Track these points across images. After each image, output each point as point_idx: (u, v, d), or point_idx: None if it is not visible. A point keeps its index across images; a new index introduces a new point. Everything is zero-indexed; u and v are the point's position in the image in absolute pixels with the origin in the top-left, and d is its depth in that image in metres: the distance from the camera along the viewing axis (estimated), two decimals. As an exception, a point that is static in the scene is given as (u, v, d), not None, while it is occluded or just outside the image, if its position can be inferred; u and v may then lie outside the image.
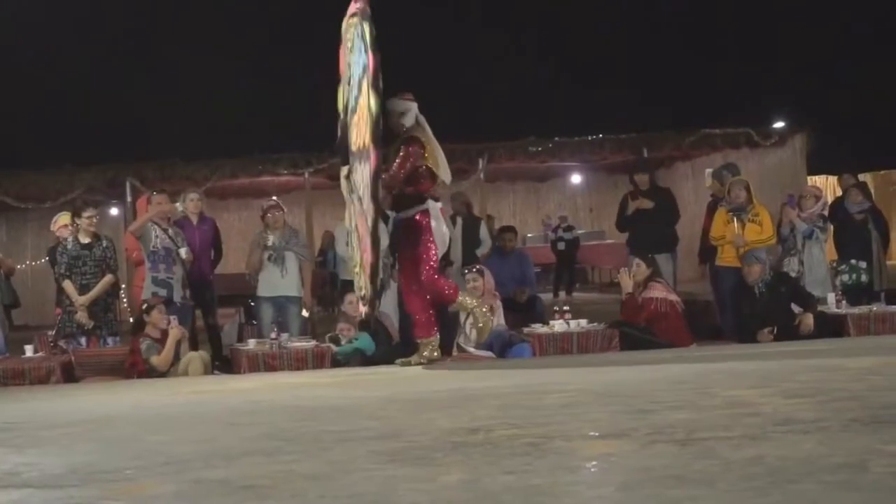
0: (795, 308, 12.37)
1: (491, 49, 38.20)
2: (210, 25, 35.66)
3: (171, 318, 11.92)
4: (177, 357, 11.62)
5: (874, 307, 12.64)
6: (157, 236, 12.74)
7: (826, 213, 14.97)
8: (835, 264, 14.72)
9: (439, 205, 10.81)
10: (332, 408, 6.83)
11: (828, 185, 27.25)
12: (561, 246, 25.95)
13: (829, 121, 27.25)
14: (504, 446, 4.42)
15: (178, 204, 13.53)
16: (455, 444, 4.54)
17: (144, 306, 12.00)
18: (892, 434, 4.27)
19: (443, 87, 34.36)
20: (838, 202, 16.25)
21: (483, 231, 15.73)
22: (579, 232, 27.12)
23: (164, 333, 11.67)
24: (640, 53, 38.19)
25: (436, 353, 10.86)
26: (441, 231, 10.68)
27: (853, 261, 14.34)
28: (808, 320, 12.14)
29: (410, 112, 10.66)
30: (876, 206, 15.67)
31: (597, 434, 4.69)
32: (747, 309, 12.44)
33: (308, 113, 34.76)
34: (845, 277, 14.29)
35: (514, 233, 15.36)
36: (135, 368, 11.53)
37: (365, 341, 12.01)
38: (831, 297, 13.12)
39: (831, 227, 14.92)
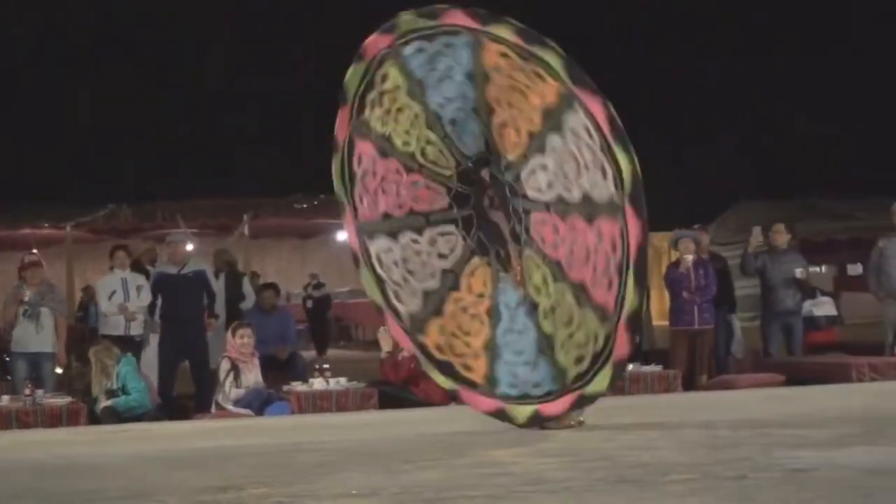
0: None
1: (263, 107, 38.10)
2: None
3: None
4: None
5: (630, 367, 12.90)
6: None
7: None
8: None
9: None
10: (84, 466, 6.74)
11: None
12: (309, 304, 26.10)
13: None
14: (253, 506, 4.46)
15: None
16: (204, 504, 4.55)
17: None
18: (636, 493, 4.43)
19: (207, 138, 34.23)
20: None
21: (246, 286, 15.72)
22: (343, 290, 27.20)
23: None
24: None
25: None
26: None
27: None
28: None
29: None
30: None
31: (346, 493, 4.75)
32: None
33: (71, 165, 34.24)
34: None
35: (274, 290, 15.34)
36: None
37: (141, 396, 11.82)
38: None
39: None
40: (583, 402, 7.60)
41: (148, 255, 16.92)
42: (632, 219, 6.98)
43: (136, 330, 13.63)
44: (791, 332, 14.36)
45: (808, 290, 15.14)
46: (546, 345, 7.67)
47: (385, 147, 8.33)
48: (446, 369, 8.34)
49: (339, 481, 5.19)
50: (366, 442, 7.56)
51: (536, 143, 7.45)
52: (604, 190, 7.14)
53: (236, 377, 11.82)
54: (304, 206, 23.63)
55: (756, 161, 35.62)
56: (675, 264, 14.30)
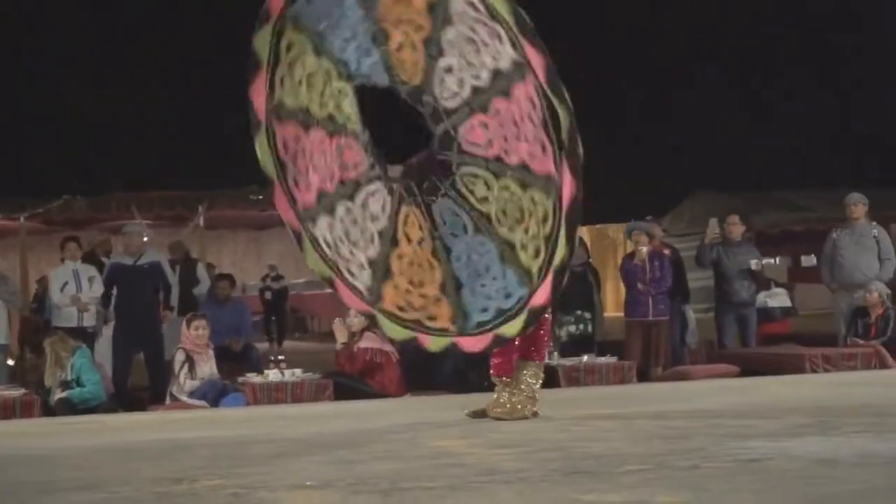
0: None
1: (216, 93, 37.97)
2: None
3: None
4: None
5: (585, 358, 12.91)
6: None
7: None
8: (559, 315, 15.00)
9: None
10: (37, 458, 6.72)
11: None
12: (268, 295, 26.12)
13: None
14: (207, 497, 4.45)
15: None
16: (158, 495, 4.54)
17: None
18: (589, 484, 4.46)
19: (164, 131, 34.07)
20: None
21: (200, 270, 15.69)
22: (300, 281, 27.19)
23: None
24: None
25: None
26: None
27: (579, 311, 14.62)
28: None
29: None
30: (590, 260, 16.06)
31: (300, 484, 4.75)
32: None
33: (24, 155, 34.02)
34: (572, 328, 14.56)
35: (229, 281, 15.27)
36: None
37: (95, 388, 11.75)
38: (542, 349, 13.36)
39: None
40: (498, 341, 7.57)
41: (103, 247, 16.85)
42: (532, 54, 6.82)
43: (88, 321, 13.54)
44: (745, 324, 14.42)
45: (762, 281, 15.22)
46: (508, 251, 7.49)
47: (306, 120, 8.10)
48: (417, 328, 8.06)
49: (294, 472, 5.20)
50: (321, 433, 7.55)
51: (434, 48, 7.32)
52: (505, 55, 7.04)
53: (191, 368, 11.78)
54: (260, 197, 23.53)
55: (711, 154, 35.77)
56: (631, 256, 14.35)
